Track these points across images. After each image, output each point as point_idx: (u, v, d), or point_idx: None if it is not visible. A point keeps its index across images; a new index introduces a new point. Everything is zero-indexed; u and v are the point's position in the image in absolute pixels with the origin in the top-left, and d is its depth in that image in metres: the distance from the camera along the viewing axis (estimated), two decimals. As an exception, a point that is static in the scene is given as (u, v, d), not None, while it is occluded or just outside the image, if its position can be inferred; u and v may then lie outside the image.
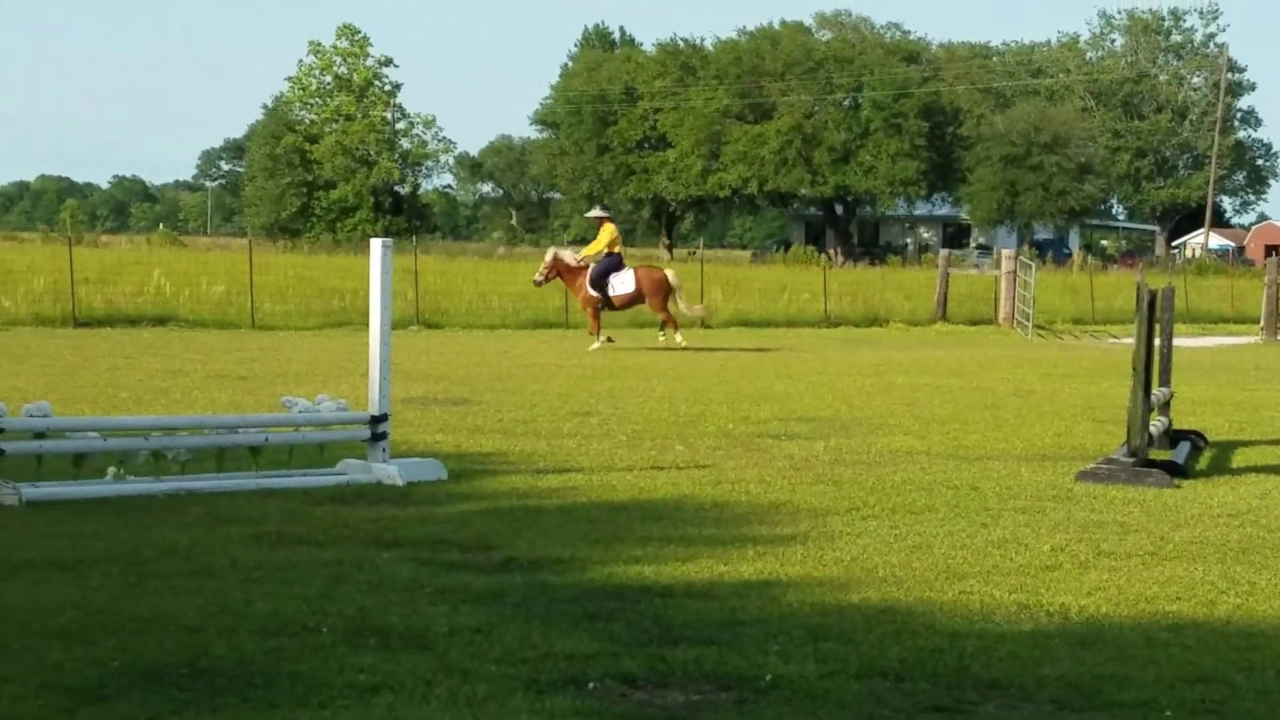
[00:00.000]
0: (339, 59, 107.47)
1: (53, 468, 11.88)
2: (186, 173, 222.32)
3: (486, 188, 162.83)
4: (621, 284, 32.03)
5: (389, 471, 12.61)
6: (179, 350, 27.73)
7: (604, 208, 35.01)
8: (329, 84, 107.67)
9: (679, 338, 32.19)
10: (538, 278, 32.72)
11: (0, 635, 7.28)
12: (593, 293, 31.86)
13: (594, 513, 11.34)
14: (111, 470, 11.93)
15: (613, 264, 32.30)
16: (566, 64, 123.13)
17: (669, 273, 33.40)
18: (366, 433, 12.93)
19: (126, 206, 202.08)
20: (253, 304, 37.65)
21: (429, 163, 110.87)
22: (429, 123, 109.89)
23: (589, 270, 31.99)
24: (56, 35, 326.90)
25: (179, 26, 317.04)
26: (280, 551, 9.62)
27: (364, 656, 7.15)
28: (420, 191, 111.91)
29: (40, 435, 11.77)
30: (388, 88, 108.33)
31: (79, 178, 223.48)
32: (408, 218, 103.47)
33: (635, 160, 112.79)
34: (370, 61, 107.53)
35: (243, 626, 7.63)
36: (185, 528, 10.32)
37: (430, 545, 9.94)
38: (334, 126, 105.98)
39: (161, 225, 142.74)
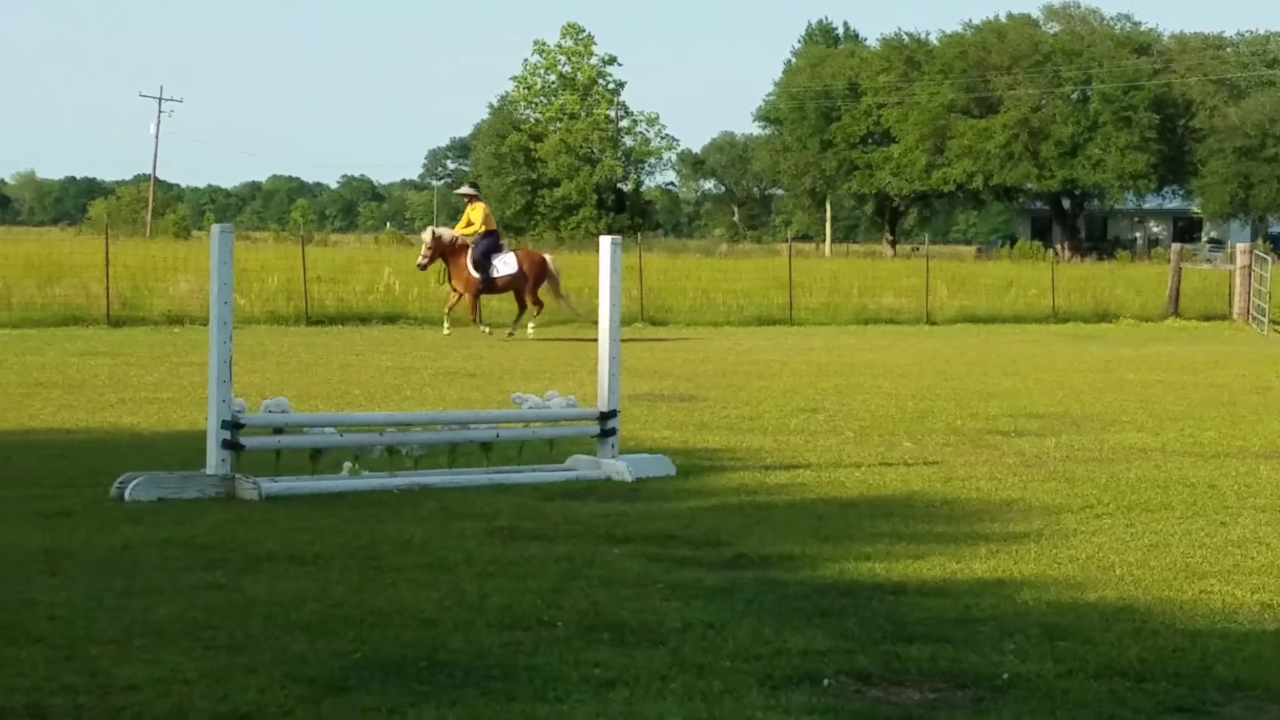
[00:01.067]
0: (563, 58, 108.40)
1: (290, 462, 12.12)
2: (413, 172, 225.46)
3: (709, 184, 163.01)
4: (504, 265, 31.14)
5: (618, 467, 12.67)
6: (409, 347, 28.13)
7: (473, 186, 33.70)
8: (554, 83, 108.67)
9: (531, 327, 31.45)
10: (421, 261, 31.56)
11: (245, 627, 7.44)
12: (475, 274, 30.90)
13: (823, 509, 11.29)
14: (347, 465, 12.14)
15: (493, 244, 31.48)
16: (790, 60, 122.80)
17: (549, 257, 32.75)
18: (596, 429, 13.00)
19: (354, 206, 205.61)
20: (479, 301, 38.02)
21: (652, 160, 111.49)
22: (652, 120, 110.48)
23: (470, 251, 30.99)
24: (289, 38, 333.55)
25: (406, 27, 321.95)
26: (513, 546, 9.71)
27: (599, 651, 7.18)
28: (643, 189, 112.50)
29: (279, 431, 12.02)
30: (611, 86, 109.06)
31: (309, 178, 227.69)
32: (630, 215, 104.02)
33: (858, 156, 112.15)
34: (594, 60, 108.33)
35: (479, 620, 7.72)
36: (420, 522, 10.46)
37: (660, 541, 9.97)
38: (558, 125, 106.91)
39: (388, 224, 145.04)
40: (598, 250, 13.30)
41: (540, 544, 9.81)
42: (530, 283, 31.42)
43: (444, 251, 30.89)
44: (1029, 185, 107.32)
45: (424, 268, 31.83)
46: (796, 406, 18.37)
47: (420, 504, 11.20)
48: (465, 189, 33.18)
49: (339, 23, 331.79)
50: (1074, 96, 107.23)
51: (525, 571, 8.90)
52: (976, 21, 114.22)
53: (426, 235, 31.51)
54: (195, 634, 7.29)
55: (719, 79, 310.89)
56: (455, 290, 31.40)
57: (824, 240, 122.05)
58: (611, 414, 12.97)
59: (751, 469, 13.21)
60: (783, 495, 11.92)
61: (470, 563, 9.12)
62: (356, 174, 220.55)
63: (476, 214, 31.25)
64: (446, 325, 31.42)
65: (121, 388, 18.96)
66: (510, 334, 31.12)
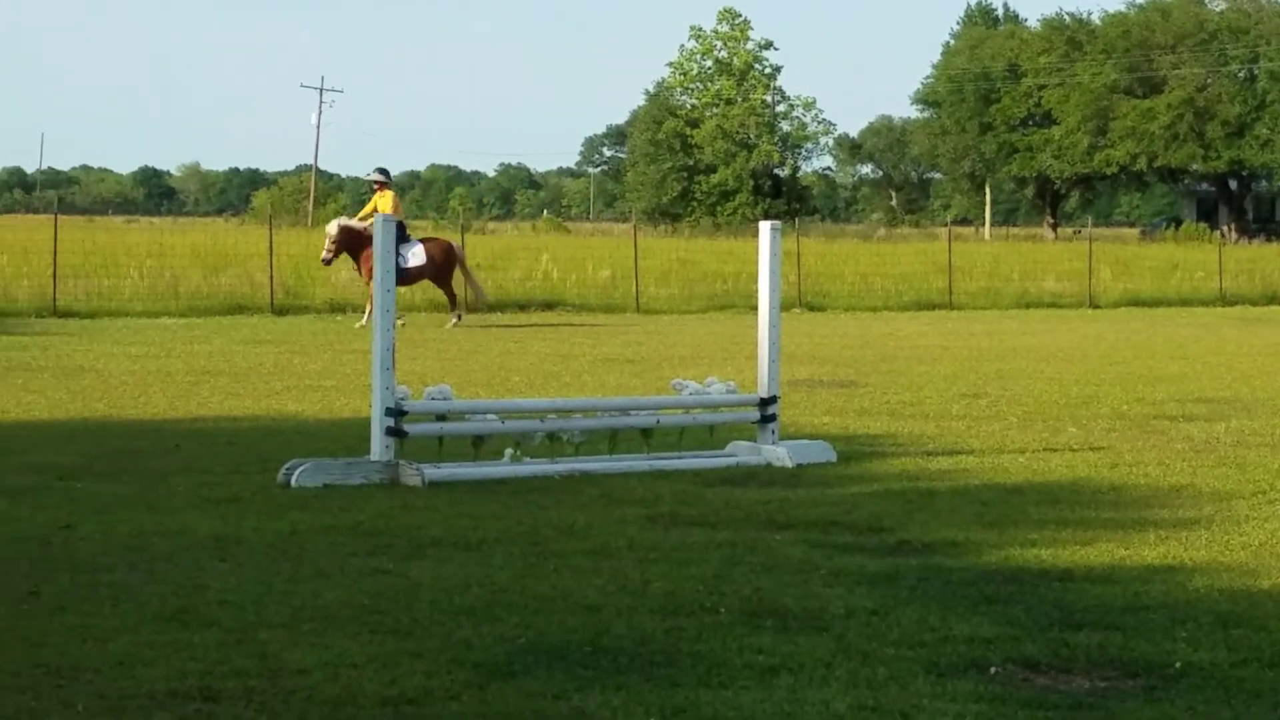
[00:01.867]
0: (719, 43, 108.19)
1: (452, 449, 12.20)
2: (570, 159, 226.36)
3: (866, 169, 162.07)
4: (413, 256, 28.88)
5: (778, 453, 12.63)
6: (567, 334, 28.25)
7: (382, 172, 30.16)
8: (710, 68, 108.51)
9: (453, 320, 29.71)
10: (325, 255, 29.28)
11: (411, 612, 7.50)
12: None
13: (987, 495, 11.18)
14: (509, 452, 12.21)
15: (399, 235, 27.88)
16: (948, 42, 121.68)
17: (455, 243, 31.13)
18: (756, 415, 12.97)
19: (512, 194, 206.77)
20: (637, 288, 38.14)
21: (809, 145, 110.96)
22: (809, 105, 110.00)
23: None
24: (447, 28, 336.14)
25: (563, 15, 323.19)
26: (674, 532, 9.71)
27: (762, 637, 7.16)
28: (800, 174, 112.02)
29: (441, 417, 12.11)
30: (768, 71, 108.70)
31: (467, 166, 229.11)
32: (787, 200, 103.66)
33: (1019, 138, 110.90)
34: (750, 45, 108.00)
35: (642, 606, 7.72)
36: (581, 508, 10.49)
37: (822, 527, 9.92)
38: (714, 110, 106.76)
39: (545, 211, 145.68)
40: (755, 236, 13.27)
41: (702, 530, 9.80)
42: (442, 271, 29.69)
43: (351, 244, 28.74)
44: (1194, 166, 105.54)
45: (328, 262, 29.69)
46: (958, 392, 18.21)
47: (581, 490, 11.23)
48: (374, 174, 30.07)
49: (496, 11, 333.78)
50: (1240, 75, 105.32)
51: (687, 557, 8.90)
52: (1140, 1, 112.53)
53: (332, 228, 29.42)
54: (362, 618, 7.36)
55: (876, 62, 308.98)
56: (365, 282, 28.85)
57: (983, 224, 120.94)
58: (772, 400, 12.92)
59: (913, 455, 13.11)
60: (946, 481, 11.82)
61: (632, 548, 9.13)
62: (514, 162, 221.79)
63: (386, 202, 28.83)
64: (366, 318, 27.39)
65: (286, 375, 19.21)
66: (455, 323, 29.35)
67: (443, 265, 29.54)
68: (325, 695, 6.20)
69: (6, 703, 5.99)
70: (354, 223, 29.25)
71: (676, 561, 8.79)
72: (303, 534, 9.38)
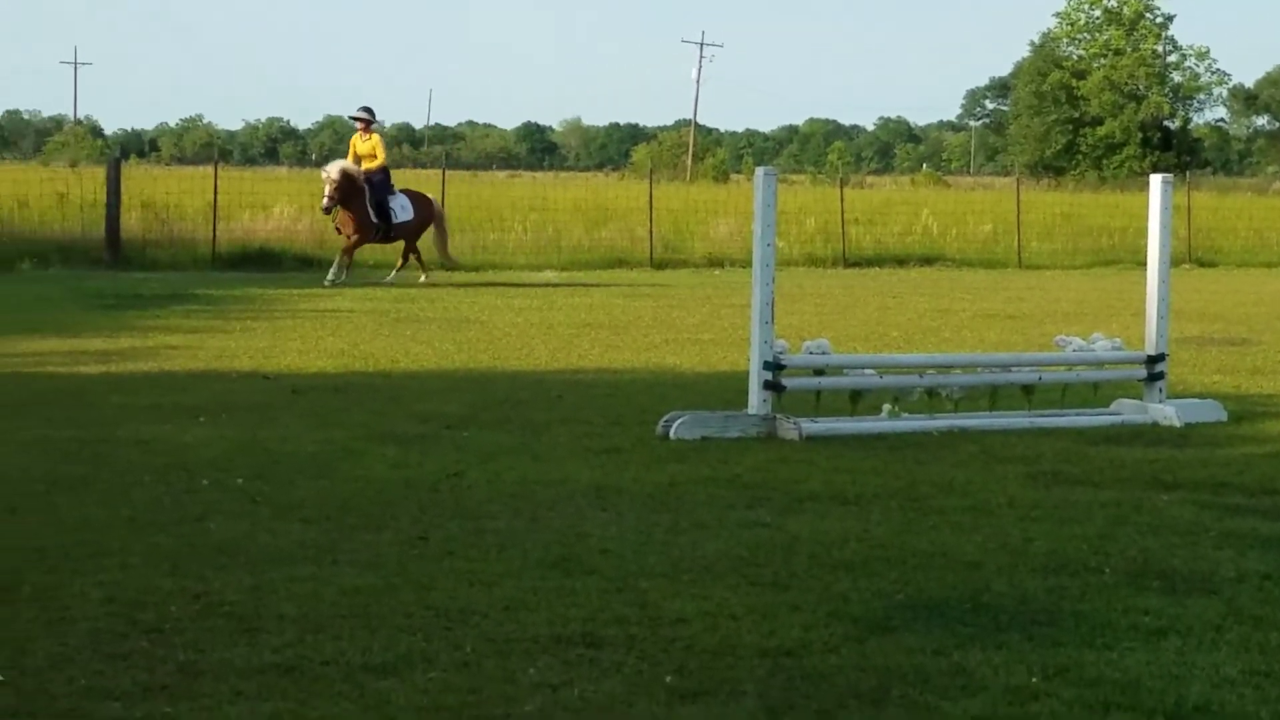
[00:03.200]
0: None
1: (829, 403, 12.19)
2: (950, 112, 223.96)
3: (1262, 120, 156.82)
4: (402, 209, 25.99)
5: (1166, 412, 12.32)
6: (946, 289, 27.99)
7: (366, 110, 26.33)
8: (1098, 18, 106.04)
9: (423, 277, 26.41)
10: (326, 203, 25.67)
11: (789, 565, 7.52)
12: (375, 219, 25.75)
13: (1387, 459, 10.73)
14: (887, 407, 12.15)
15: (387, 183, 26.30)
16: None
17: (434, 199, 27.78)
18: (1142, 372, 12.68)
19: (891, 148, 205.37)
20: (1019, 243, 37.60)
21: (1201, 96, 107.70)
22: (1202, 54, 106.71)
23: (368, 190, 25.73)
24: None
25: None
26: (1056, 491, 9.55)
27: (1148, 599, 7.00)
28: (1191, 126, 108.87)
29: (819, 372, 12.10)
30: (1159, 20, 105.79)
31: (845, 120, 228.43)
32: (1177, 153, 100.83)
33: None
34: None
35: (1022, 564, 7.61)
36: (960, 465, 10.38)
37: (1212, 488, 9.65)
38: (1102, 61, 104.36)
39: (925, 165, 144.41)
40: (1142, 190, 12.97)
41: (1084, 489, 9.62)
42: (418, 228, 26.54)
43: (348, 192, 25.44)
44: None
45: (329, 210, 25.96)
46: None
47: (960, 446, 11.12)
48: (358, 112, 26.36)
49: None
50: None
51: (1069, 516, 8.74)
52: None
53: (333, 170, 25.64)
54: (741, 570, 7.40)
55: (1274, 9, 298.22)
56: (346, 234, 25.85)
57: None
58: (1159, 358, 12.60)
59: (1308, 415, 12.66)
60: (1343, 443, 11.39)
61: (1013, 506, 9.01)
62: (893, 115, 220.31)
63: (379, 146, 26.16)
64: (334, 271, 25.60)
65: (665, 328, 19.41)
66: (424, 280, 26.23)
67: (428, 222, 26.64)
68: (704, 645, 6.25)
69: (399, 643, 6.19)
70: (354, 168, 25.63)
71: (1058, 520, 8.64)
72: (681, 485, 9.48)
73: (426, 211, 26.60)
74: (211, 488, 9.09)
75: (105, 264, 27.77)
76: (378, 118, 26.55)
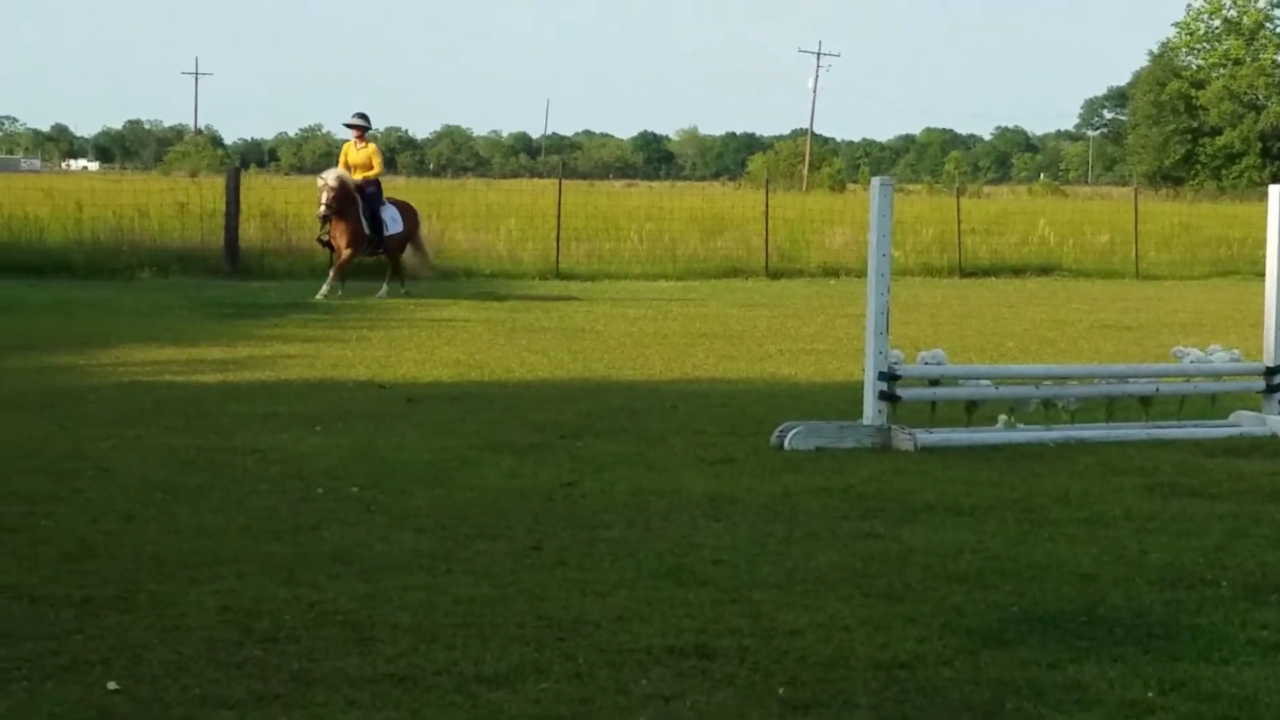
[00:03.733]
0: (1228, 2, 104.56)
1: (944, 414, 12.13)
2: (1068, 122, 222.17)
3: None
4: (393, 221, 24.62)
5: (1286, 424, 12.17)
6: (1063, 300, 27.77)
7: (361, 117, 24.86)
8: (1217, 28, 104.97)
9: (403, 289, 24.79)
10: (323, 211, 24.18)
11: (903, 576, 7.49)
12: (368, 231, 24.30)
13: None
14: (1002, 418, 12.07)
15: (380, 196, 24.84)
16: None
17: (414, 207, 26.12)
18: (1261, 384, 12.55)
19: (1008, 157, 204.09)
20: (1137, 253, 37.26)
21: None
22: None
23: (360, 201, 24.34)
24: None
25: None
26: (1173, 503, 9.45)
27: (1266, 613, 6.92)
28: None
29: (934, 382, 12.05)
30: (1279, 30, 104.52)
31: (962, 130, 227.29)
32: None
33: None
34: (1261, 3, 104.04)
35: (1138, 577, 7.54)
36: (1076, 476, 10.30)
37: (1333, 502, 9.51)
38: (1221, 71, 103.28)
39: (1042, 175, 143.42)
40: (1262, 200, 12.81)
41: (1202, 501, 9.52)
42: (405, 239, 25.20)
43: (343, 201, 24.01)
44: None
45: (326, 219, 24.33)
46: None
47: (1076, 458, 11.03)
48: (354, 119, 24.78)
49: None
50: None
51: (1187, 528, 8.66)
52: None
53: (330, 178, 24.12)
54: (854, 581, 7.38)
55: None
56: (338, 247, 24.35)
57: None
58: (1278, 369, 12.45)
59: None
60: None
61: (1129, 518, 8.93)
62: (1010, 125, 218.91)
63: (375, 155, 24.73)
64: (328, 289, 24.21)
65: (780, 338, 19.39)
66: (405, 292, 24.68)
67: (414, 233, 25.47)
68: (818, 656, 6.24)
69: (511, 653, 6.21)
70: (349, 176, 24.24)
71: (1175, 532, 8.56)
72: (795, 496, 9.46)
73: (413, 222, 25.35)
74: (327, 496, 9.16)
75: (224, 273, 28.08)
76: (373, 125, 25.34)
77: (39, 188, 39.53)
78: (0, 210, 30.99)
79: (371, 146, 24.72)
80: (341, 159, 24.92)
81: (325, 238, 24.57)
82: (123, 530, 8.20)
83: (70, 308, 21.43)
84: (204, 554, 7.67)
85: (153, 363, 15.53)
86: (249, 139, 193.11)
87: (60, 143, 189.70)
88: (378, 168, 24.68)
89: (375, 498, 9.13)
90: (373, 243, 24.46)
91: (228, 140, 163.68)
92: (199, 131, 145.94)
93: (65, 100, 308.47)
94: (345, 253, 24.17)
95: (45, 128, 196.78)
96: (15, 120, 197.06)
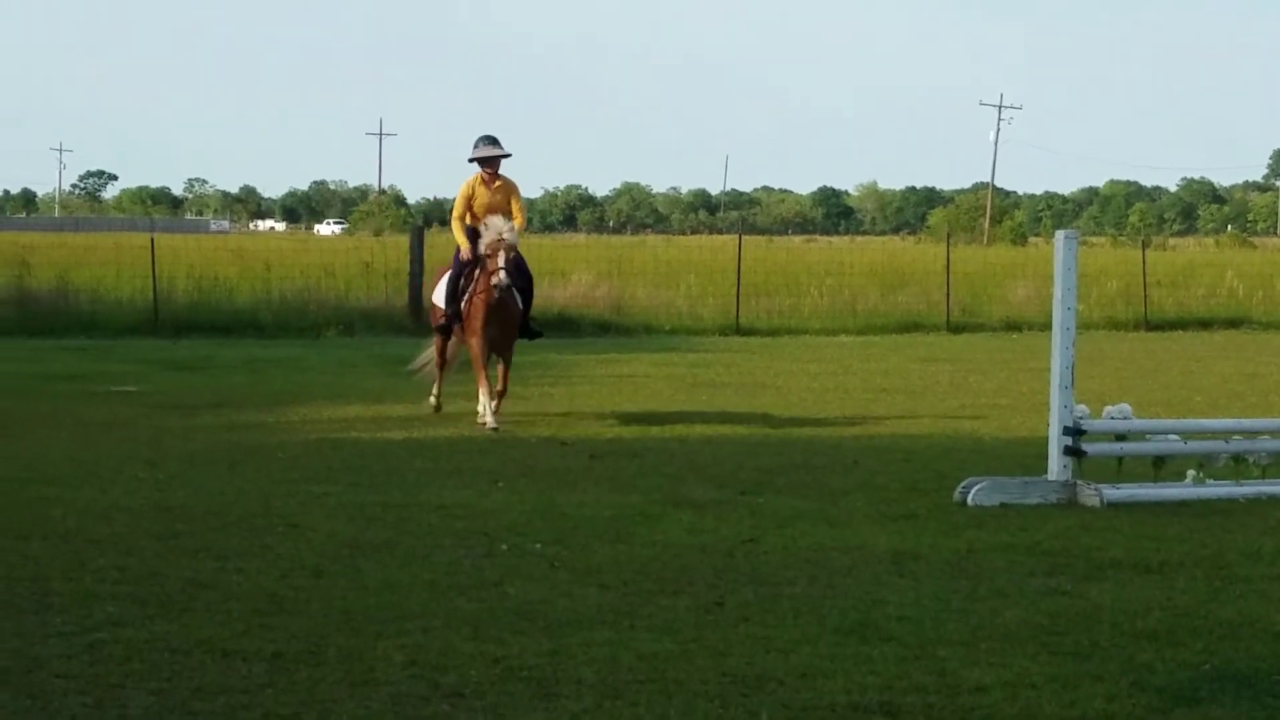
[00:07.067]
0: None
1: (1131, 469, 11.96)
2: (1256, 173, 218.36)
3: None
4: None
5: None
6: (1252, 353, 27.28)
7: (494, 142, 16.33)
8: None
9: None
10: (504, 279, 15.42)
11: (1091, 633, 7.39)
12: (442, 306, 16.57)
13: None
14: (1191, 473, 11.88)
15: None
16: None
17: None
18: None
19: (1194, 208, 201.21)
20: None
21: None
22: None
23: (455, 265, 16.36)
24: (1122, 39, 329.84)
25: (1248, 21, 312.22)
26: (1371, 560, 9.24)
27: None
28: None
29: (1121, 437, 11.89)
30: None
31: (1147, 181, 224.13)
32: None
33: None
34: None
35: (1335, 636, 7.38)
36: (1268, 532, 10.12)
37: None
38: None
39: (1229, 226, 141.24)
40: None
41: (1400, 558, 9.29)
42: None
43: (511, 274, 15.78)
44: None
45: (508, 288, 15.64)
46: None
47: (1268, 513, 10.84)
48: (485, 147, 16.22)
49: (1172, 21, 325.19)
50: None
51: (1385, 587, 8.46)
52: None
53: (506, 233, 15.59)
54: (1040, 639, 7.29)
55: None
56: (478, 350, 16.04)
57: None
58: None
59: None
60: None
61: (1325, 576, 8.74)
62: (1196, 176, 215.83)
63: (517, 201, 16.33)
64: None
65: (962, 393, 19.24)
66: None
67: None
68: (1004, 714, 6.17)
69: (695, 709, 6.21)
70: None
71: (1373, 591, 8.36)
72: (980, 552, 9.37)
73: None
74: (510, 552, 9.23)
75: (408, 330, 28.42)
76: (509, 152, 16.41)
77: (227, 248, 40.29)
78: (191, 271, 31.66)
79: (514, 186, 16.36)
80: (460, 200, 16.34)
81: (459, 314, 16.19)
82: (311, 586, 8.32)
83: (259, 366, 21.82)
84: (390, 609, 7.76)
85: (339, 420, 15.74)
86: (431, 198, 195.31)
87: (248, 203, 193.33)
88: (521, 222, 16.23)
89: (558, 553, 9.18)
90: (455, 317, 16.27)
91: (411, 200, 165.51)
92: (383, 191, 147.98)
93: (253, 162, 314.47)
94: (470, 342, 16.19)
95: (234, 189, 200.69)
96: (205, 182, 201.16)
